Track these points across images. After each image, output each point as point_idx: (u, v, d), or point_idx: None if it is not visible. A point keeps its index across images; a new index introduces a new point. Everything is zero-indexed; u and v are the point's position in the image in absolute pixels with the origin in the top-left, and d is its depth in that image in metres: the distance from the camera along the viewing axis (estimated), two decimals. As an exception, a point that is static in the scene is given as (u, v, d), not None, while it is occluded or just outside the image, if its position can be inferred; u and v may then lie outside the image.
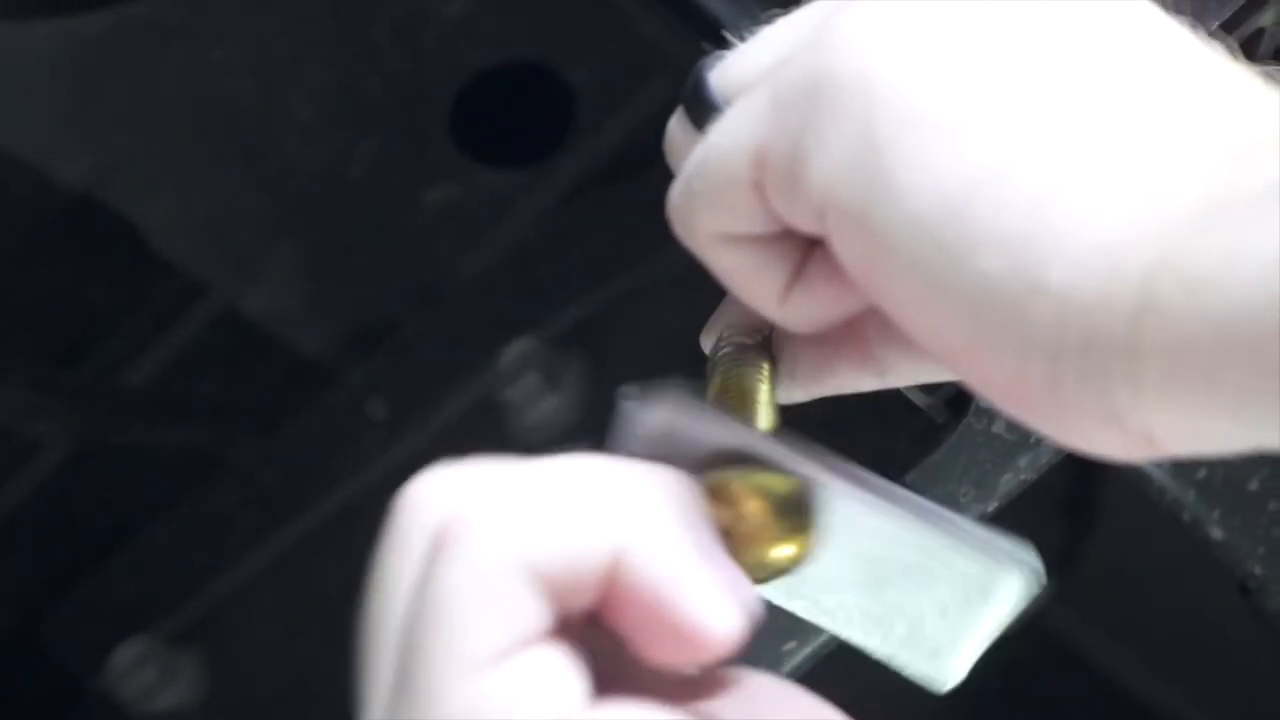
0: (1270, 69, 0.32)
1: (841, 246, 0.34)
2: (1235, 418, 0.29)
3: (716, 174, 0.37)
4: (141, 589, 1.00)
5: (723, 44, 0.40)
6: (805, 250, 0.38)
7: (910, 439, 0.63)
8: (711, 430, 0.38)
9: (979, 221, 0.31)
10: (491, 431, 0.93)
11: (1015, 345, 0.31)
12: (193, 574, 0.98)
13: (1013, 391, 0.32)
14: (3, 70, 0.91)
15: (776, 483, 0.37)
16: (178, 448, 1.01)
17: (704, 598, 0.32)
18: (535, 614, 0.31)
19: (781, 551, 0.37)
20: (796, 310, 0.39)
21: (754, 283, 0.38)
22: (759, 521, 0.37)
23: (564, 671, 0.31)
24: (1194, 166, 0.31)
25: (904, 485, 0.65)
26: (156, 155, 0.96)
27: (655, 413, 0.38)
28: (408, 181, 0.98)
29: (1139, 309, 0.29)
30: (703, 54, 0.40)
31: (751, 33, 0.40)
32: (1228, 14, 0.53)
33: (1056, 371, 0.31)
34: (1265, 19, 0.54)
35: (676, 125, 0.40)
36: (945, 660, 0.37)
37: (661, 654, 0.32)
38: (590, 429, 0.85)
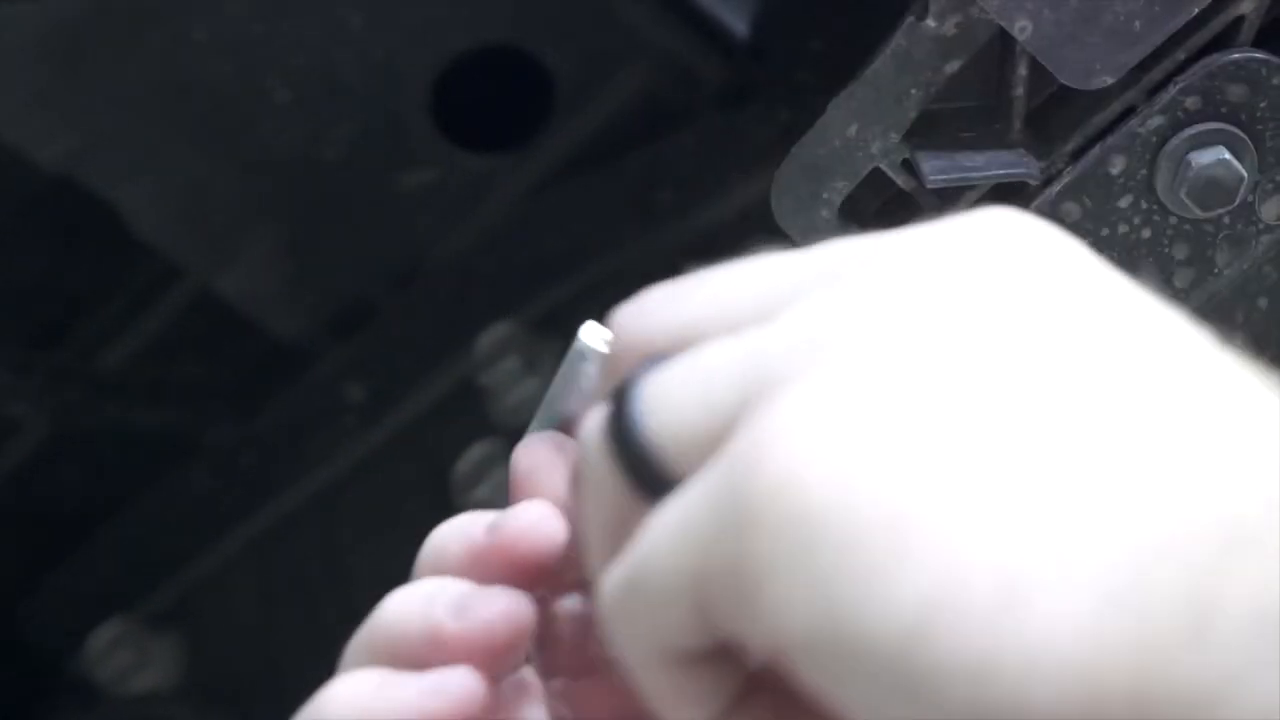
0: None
1: (798, 672, 0.31)
2: None
3: (656, 593, 0.33)
4: (118, 571, 1.00)
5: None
6: (747, 670, 0.34)
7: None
8: None
9: (939, 648, 0.28)
10: (470, 415, 0.93)
11: None
12: (170, 556, 0.98)
13: None
14: (-21, 51, 0.91)
15: None
16: (155, 430, 1.01)
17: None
18: None
19: None
20: None
21: (689, 703, 0.34)
22: None
23: None
24: (1179, 564, 0.27)
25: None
26: (134, 137, 0.95)
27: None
28: (386, 165, 0.98)
29: None
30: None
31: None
32: (1207, 1, 0.53)
33: None
34: (1245, 6, 0.54)
35: (599, 451, 0.35)
36: None
37: None
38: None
